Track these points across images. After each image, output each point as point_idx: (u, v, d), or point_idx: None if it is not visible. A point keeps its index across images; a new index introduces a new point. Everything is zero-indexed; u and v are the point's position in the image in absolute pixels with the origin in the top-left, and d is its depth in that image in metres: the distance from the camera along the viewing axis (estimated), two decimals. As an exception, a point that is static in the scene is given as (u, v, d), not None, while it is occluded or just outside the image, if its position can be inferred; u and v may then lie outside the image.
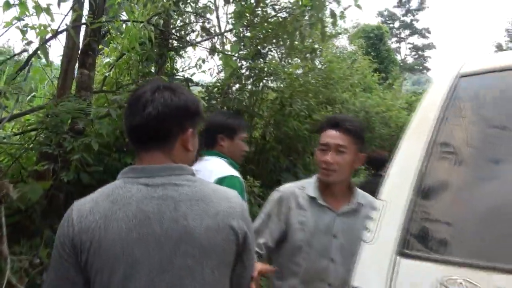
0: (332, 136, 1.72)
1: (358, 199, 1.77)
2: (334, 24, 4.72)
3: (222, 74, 6.44)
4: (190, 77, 5.68)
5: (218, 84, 6.14)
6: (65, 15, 3.69)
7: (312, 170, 6.83)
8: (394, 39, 31.81)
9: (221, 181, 1.81)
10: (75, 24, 3.85)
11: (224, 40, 6.10)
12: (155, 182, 1.03)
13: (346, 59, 9.94)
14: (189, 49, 6.15)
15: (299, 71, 6.99)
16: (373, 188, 2.06)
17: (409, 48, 36.42)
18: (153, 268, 0.98)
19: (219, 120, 2.12)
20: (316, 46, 7.51)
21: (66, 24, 3.73)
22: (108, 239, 0.97)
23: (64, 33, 3.94)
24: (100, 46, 5.12)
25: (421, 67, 35.97)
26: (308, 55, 6.62)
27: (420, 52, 35.96)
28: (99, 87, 4.82)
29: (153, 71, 5.40)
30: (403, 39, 35.91)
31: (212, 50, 5.41)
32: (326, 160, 1.69)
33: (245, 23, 5.36)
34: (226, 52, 5.21)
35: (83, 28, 4.28)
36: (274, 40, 6.12)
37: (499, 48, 25.67)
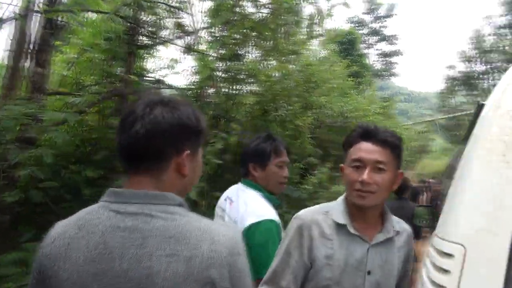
0: (367, 150, 1.40)
1: (394, 225, 1.46)
2: (321, 22, 4.34)
3: (197, 76, 5.97)
4: (162, 78, 5.18)
5: (193, 86, 5.68)
6: (11, 3, 3.08)
7: (292, 179, 6.45)
8: (363, 45, 32.35)
9: (255, 227, 1.67)
10: (26, 12, 3.25)
11: (199, 40, 5.64)
12: (127, 210, 0.91)
13: (324, 63, 9.76)
14: (161, 48, 5.66)
15: (277, 74, 6.63)
16: (399, 213, 1.74)
17: (377, 54, 37.16)
18: None
19: (249, 146, 1.95)
20: (297, 48, 7.22)
21: (13, 12, 3.12)
22: (66, 270, 0.88)
23: (12, 23, 3.32)
24: (58, 42, 4.52)
25: (388, 73, 36.71)
26: (284, 58, 6.27)
27: (387, 58, 36.72)
28: (55, 88, 4.19)
29: (119, 71, 4.83)
30: (372, 45, 36.61)
31: (187, 49, 4.90)
32: (363, 179, 1.36)
33: (222, 21, 4.93)
34: (202, 52, 4.74)
35: (35, 19, 3.66)
36: (253, 41, 5.74)
37: (463, 55, 26.58)
